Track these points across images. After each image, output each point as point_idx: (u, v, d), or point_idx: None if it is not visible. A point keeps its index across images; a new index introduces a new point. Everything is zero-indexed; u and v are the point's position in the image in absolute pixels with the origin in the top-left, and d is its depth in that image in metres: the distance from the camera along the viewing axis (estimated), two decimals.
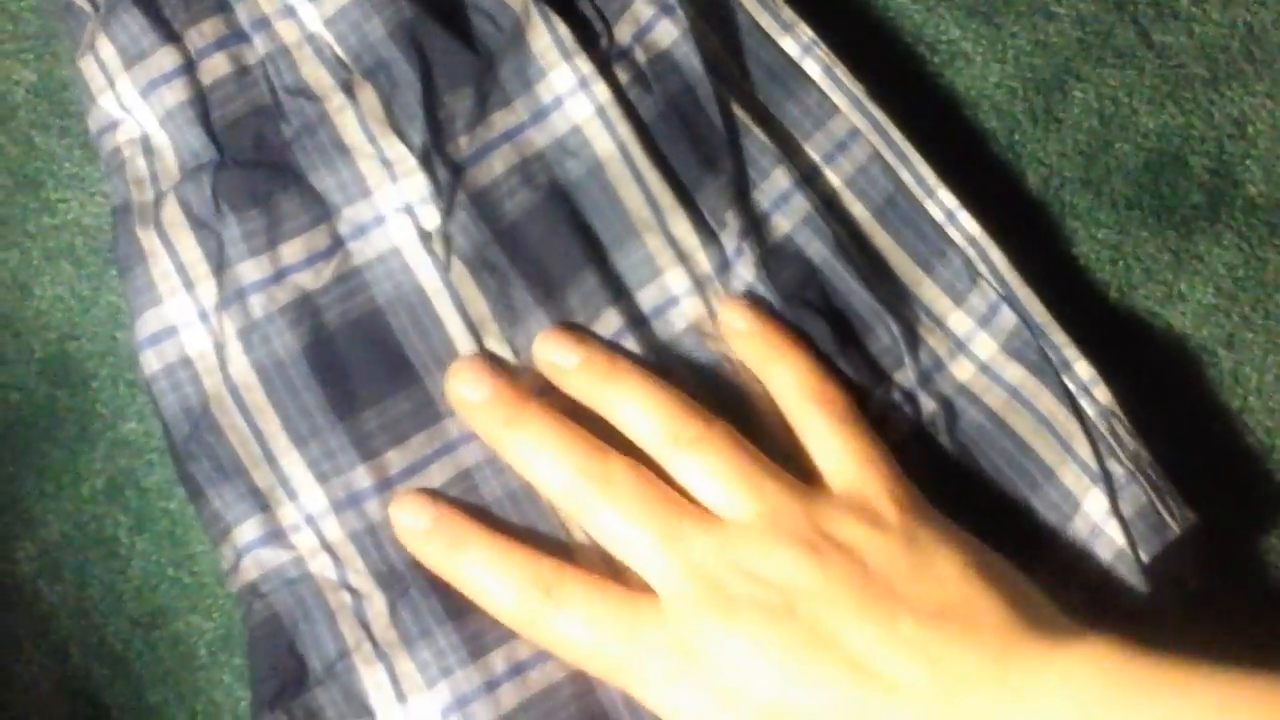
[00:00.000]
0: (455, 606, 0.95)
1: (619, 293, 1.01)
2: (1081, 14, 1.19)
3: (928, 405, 1.02)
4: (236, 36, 1.05)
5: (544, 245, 1.01)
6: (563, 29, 1.03)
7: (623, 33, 1.06)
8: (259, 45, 1.05)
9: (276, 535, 0.97)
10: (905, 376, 1.02)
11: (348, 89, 1.03)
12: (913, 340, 1.03)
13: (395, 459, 0.98)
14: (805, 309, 1.02)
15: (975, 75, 1.18)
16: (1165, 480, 1.02)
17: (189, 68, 1.04)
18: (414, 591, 0.96)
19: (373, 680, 0.94)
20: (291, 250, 1.02)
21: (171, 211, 1.02)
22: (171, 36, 1.04)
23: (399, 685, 0.94)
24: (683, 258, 1.01)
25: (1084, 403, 1.02)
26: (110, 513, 1.08)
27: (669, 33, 1.05)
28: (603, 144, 1.03)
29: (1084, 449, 1.00)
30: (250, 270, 1.01)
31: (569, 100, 1.03)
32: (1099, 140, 1.16)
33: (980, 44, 1.18)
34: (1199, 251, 1.14)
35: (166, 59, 1.04)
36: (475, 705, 0.93)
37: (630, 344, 1.00)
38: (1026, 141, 1.17)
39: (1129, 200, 1.15)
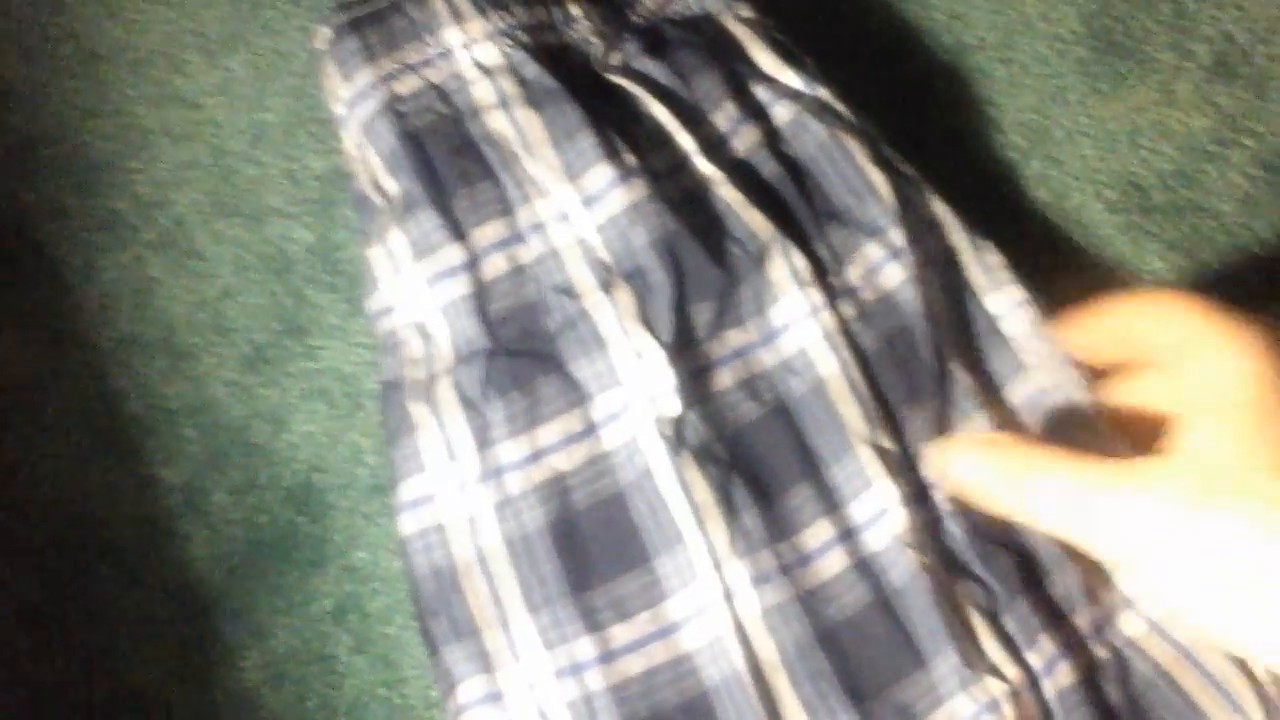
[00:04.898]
0: None
1: (833, 505, 1.06)
2: None
3: (1099, 653, 1.06)
4: (515, 238, 1.12)
5: (765, 453, 1.07)
6: (799, 262, 1.10)
7: (853, 272, 1.12)
8: (534, 246, 1.12)
9: (496, 697, 1.03)
10: (1081, 622, 1.06)
11: (606, 288, 1.10)
12: (1088, 591, 1.07)
13: (619, 634, 1.03)
14: (994, 544, 1.06)
15: None
16: None
17: (473, 264, 1.11)
18: None
19: None
20: (548, 433, 1.08)
21: (445, 391, 1.09)
22: (460, 235, 1.11)
23: None
24: (891, 472, 1.06)
25: (1255, 666, 1.04)
26: (334, 633, 1.17)
27: (896, 275, 1.11)
28: (826, 365, 1.08)
29: (1254, 710, 1.03)
30: (510, 450, 1.07)
31: (797, 325, 1.09)
32: None
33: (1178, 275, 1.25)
34: None
35: (454, 255, 1.11)
36: None
37: (841, 553, 1.04)
38: None
39: None
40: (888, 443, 1.07)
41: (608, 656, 1.03)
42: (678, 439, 1.06)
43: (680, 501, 1.05)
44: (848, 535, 1.06)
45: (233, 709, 1.15)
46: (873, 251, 1.13)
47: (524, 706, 1.02)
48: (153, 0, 1.39)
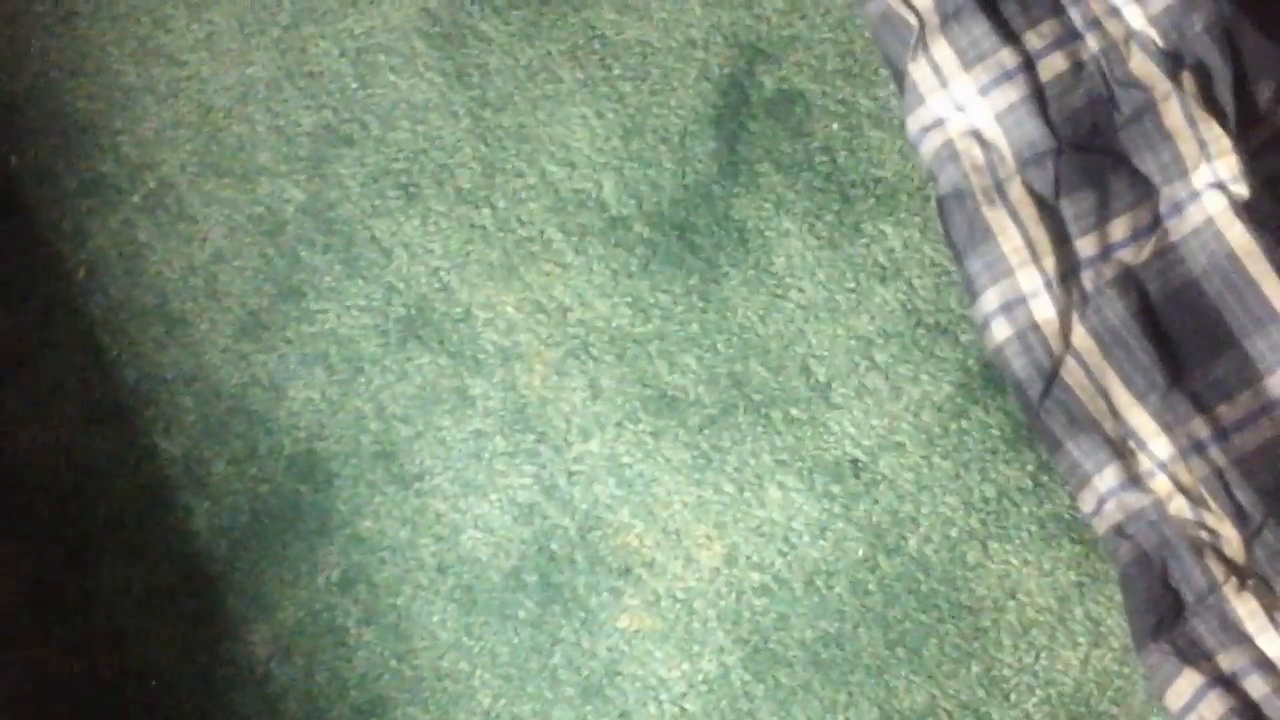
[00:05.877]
0: None
1: None
2: None
3: None
4: (1071, 36, 1.15)
5: None
6: None
7: None
8: (1091, 43, 1.15)
9: (1134, 481, 1.07)
10: None
11: (1173, 79, 1.12)
12: None
13: (1226, 413, 1.07)
14: None
15: None
16: None
17: (1028, 66, 1.14)
18: (1267, 531, 1.05)
19: (1245, 609, 1.04)
20: (1118, 228, 1.11)
21: (1018, 193, 1.12)
22: (1011, 38, 1.14)
23: (1271, 614, 1.04)
24: None
25: None
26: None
27: None
28: None
29: None
30: (1083, 247, 1.11)
31: None
32: None
33: None
34: None
35: (1008, 59, 1.14)
36: None
37: None
38: None
39: None
40: None
41: (1222, 435, 1.07)
42: (1257, 218, 1.09)
43: (1272, 280, 1.08)
44: None
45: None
46: None
47: (1162, 487, 1.07)
48: None
